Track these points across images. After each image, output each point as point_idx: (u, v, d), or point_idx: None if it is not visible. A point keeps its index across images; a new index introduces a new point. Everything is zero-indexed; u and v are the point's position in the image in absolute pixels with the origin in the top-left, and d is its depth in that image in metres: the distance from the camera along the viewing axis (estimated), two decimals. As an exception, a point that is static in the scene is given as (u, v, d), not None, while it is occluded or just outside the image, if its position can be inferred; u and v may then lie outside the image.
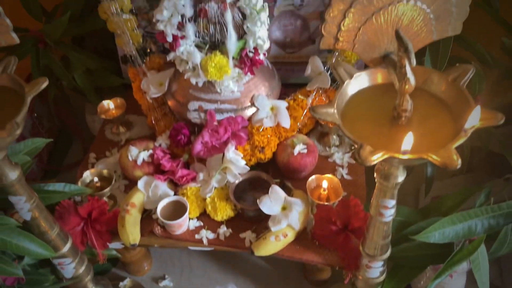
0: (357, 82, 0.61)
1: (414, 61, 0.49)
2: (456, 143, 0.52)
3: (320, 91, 1.02)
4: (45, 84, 0.62)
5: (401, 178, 0.64)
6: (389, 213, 0.70)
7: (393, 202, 0.68)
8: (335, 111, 0.57)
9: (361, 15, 0.53)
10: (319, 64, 1.01)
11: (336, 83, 1.02)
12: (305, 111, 1.01)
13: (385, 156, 0.52)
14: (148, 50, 1.08)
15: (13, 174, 0.69)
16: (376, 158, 0.51)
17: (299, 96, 1.02)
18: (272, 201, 0.88)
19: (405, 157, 0.52)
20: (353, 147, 1.04)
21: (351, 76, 0.60)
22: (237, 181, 0.93)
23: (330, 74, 1.01)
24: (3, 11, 0.56)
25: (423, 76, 0.60)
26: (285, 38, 1.12)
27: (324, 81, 1.01)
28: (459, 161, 0.50)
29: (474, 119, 0.51)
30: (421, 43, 0.57)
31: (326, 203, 0.88)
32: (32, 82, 0.63)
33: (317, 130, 1.08)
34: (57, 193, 0.82)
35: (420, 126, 0.57)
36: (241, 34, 0.89)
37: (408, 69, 0.51)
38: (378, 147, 0.53)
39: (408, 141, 0.52)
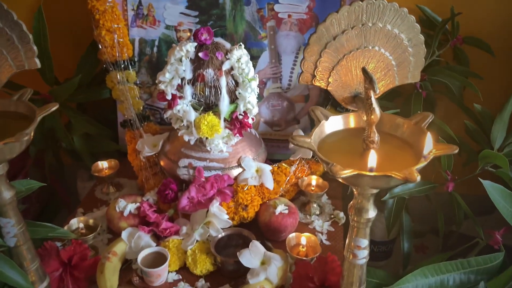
0: (333, 124, 0.69)
1: (377, 90, 0.57)
2: (418, 165, 0.59)
3: (303, 162, 1.10)
4: (54, 108, 0.69)
5: (372, 213, 0.69)
6: (362, 254, 0.73)
7: (365, 242, 0.72)
8: (311, 140, 0.64)
9: (334, 56, 0.63)
10: (302, 136, 1.11)
11: (315, 158, 1.11)
12: (288, 177, 1.07)
13: (354, 173, 0.58)
14: (147, 117, 1.18)
15: (7, 194, 0.73)
16: (346, 172, 0.57)
17: (283, 164, 1.09)
18: (252, 255, 0.90)
19: (371, 174, 0.58)
20: (332, 216, 1.08)
21: (326, 118, 0.69)
22: (219, 236, 0.96)
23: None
24: (32, 39, 0.66)
25: (389, 122, 0.69)
26: (273, 117, 1.23)
27: (307, 153, 1.09)
28: (418, 177, 0.56)
29: (429, 145, 0.59)
30: (385, 88, 0.67)
31: (304, 258, 0.91)
32: (43, 107, 0.70)
33: (299, 200, 1.13)
34: (43, 227, 0.84)
35: (386, 157, 0.64)
36: (233, 99, 1.00)
37: (373, 100, 0.60)
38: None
39: (372, 158, 0.59)
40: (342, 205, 1.13)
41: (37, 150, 1.32)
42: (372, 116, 0.60)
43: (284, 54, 1.19)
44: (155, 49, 1.21)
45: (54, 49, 1.19)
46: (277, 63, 1.20)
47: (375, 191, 0.67)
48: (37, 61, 0.67)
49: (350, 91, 0.66)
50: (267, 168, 1.04)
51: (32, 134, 0.66)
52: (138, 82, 1.21)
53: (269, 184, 1.02)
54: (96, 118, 1.31)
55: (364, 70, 0.59)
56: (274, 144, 1.26)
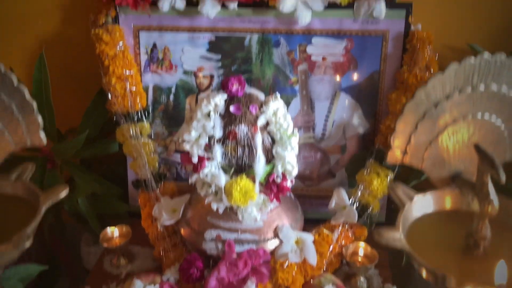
0: (421, 206, 0.55)
1: (504, 177, 0.43)
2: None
3: (346, 226, 0.95)
4: (64, 193, 0.54)
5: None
6: None
7: None
8: (402, 236, 0.49)
9: (433, 127, 0.49)
10: (344, 197, 0.96)
11: (363, 218, 0.96)
12: (331, 247, 0.92)
13: (477, 291, 0.42)
14: (163, 175, 1.03)
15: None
16: (467, 292, 0.42)
17: (324, 231, 0.94)
18: None
19: (501, 292, 0.43)
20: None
21: (410, 199, 0.54)
22: (257, 327, 0.80)
23: (356, 208, 0.95)
24: (36, 108, 0.51)
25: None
26: (304, 170, 1.09)
27: (351, 216, 0.94)
28: None
29: None
30: (492, 164, 0.53)
31: None
32: (49, 190, 0.55)
33: (342, 271, 0.97)
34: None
35: (501, 258, 0.49)
36: (269, 159, 0.85)
37: (491, 188, 0.45)
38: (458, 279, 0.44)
39: (501, 272, 0.44)
40: (392, 277, 0.97)
41: (35, 211, 1.15)
42: (490, 209, 0.46)
43: (317, 100, 1.05)
44: (171, 97, 1.07)
45: (56, 99, 1.04)
46: (310, 110, 1.06)
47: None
48: (43, 136, 0.52)
49: (449, 170, 0.52)
50: (309, 238, 0.88)
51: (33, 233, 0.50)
52: (152, 135, 1.06)
53: (313, 259, 0.86)
54: (102, 173, 1.16)
55: (479, 149, 0.44)
56: (306, 201, 1.10)
